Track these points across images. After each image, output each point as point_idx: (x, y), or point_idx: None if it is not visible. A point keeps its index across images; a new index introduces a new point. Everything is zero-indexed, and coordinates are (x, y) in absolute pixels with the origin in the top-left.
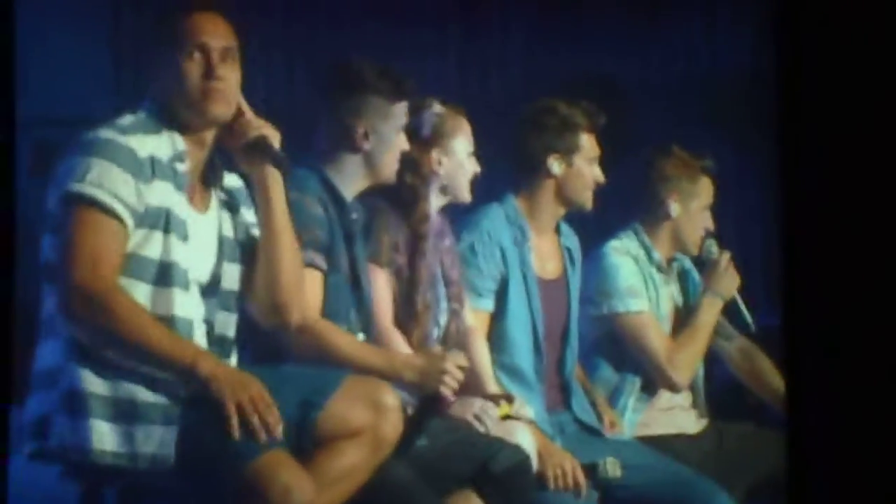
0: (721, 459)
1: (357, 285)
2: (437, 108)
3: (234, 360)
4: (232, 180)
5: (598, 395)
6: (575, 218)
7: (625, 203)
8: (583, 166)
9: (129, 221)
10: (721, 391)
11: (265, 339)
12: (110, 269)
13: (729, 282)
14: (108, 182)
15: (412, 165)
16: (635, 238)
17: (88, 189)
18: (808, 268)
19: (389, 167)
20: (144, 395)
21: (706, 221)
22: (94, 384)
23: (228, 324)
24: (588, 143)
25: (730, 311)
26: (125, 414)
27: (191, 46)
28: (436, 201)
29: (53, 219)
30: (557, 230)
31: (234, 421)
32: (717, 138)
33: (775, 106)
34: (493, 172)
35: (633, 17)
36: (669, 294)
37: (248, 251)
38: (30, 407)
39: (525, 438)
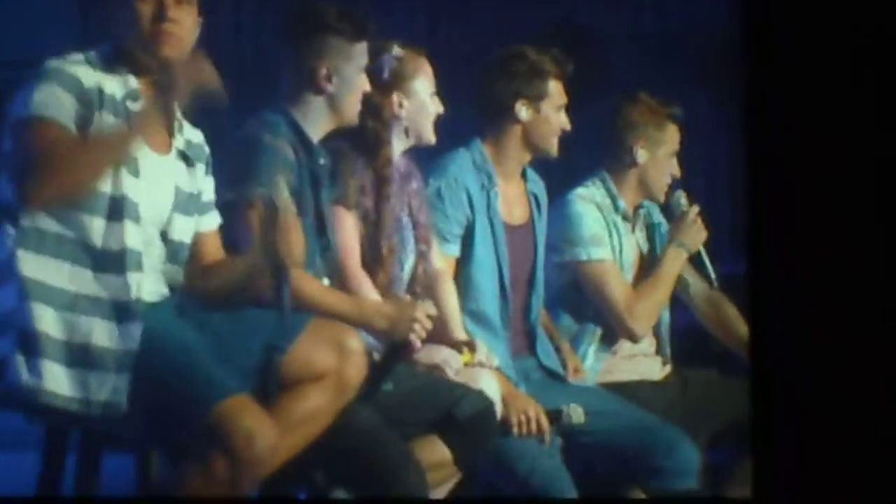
0: (685, 406)
1: (322, 231)
2: (397, 50)
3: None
4: (192, 134)
5: (562, 342)
6: (541, 164)
7: (591, 150)
8: (550, 113)
9: (71, 126)
10: (686, 338)
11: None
12: (70, 180)
13: (695, 234)
14: (53, 102)
15: (373, 109)
16: (602, 186)
17: (35, 110)
18: (774, 216)
19: (352, 109)
20: (99, 340)
21: (673, 168)
22: (49, 326)
23: (177, 276)
24: (556, 90)
25: (694, 264)
26: (79, 360)
27: None
28: (399, 144)
29: (5, 157)
30: (524, 176)
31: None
32: (687, 89)
33: (744, 57)
34: (460, 118)
35: None
36: (634, 243)
37: (199, 208)
38: None
39: (489, 384)
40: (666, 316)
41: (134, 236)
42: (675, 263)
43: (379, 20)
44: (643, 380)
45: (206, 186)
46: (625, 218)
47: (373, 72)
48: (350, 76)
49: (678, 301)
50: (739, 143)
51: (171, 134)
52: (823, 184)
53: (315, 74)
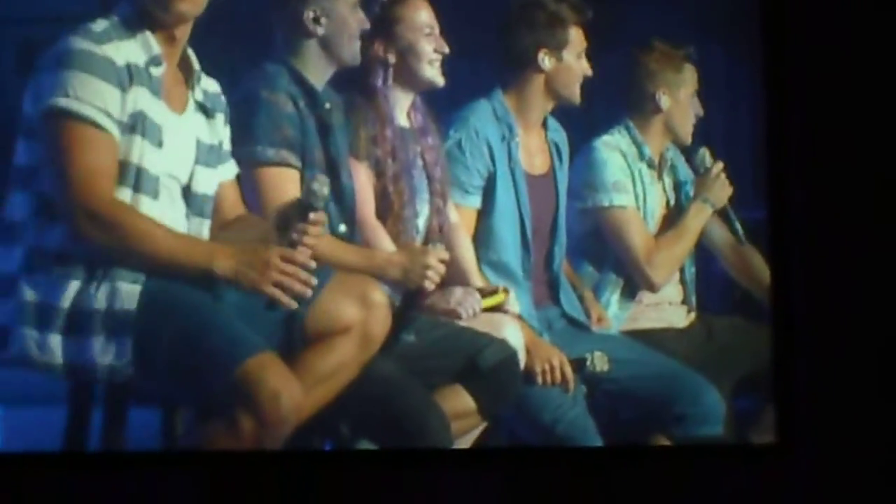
0: (710, 353)
1: (335, 179)
2: None
3: None
4: (209, 84)
5: (585, 291)
6: (563, 113)
7: (613, 99)
8: (572, 60)
9: (116, 132)
10: (712, 286)
11: None
12: (108, 182)
13: (719, 191)
14: (90, 95)
15: (363, 57)
16: (626, 134)
17: (74, 105)
18: (794, 162)
19: (349, 48)
20: (101, 304)
21: (696, 108)
22: (53, 296)
23: (201, 228)
24: (576, 37)
25: (721, 218)
26: (80, 326)
27: None
28: (402, 92)
29: (29, 122)
30: (545, 125)
31: (284, 299)
32: (704, 37)
33: (761, 6)
34: (480, 68)
35: None
36: (660, 191)
37: (220, 157)
38: None
39: (513, 333)
40: (691, 265)
41: (148, 212)
42: (698, 218)
43: None
44: (668, 327)
45: (225, 136)
46: (650, 165)
47: (366, 11)
48: (341, 14)
49: (704, 250)
50: (759, 92)
51: (190, 87)
52: (842, 131)
53: (302, 17)
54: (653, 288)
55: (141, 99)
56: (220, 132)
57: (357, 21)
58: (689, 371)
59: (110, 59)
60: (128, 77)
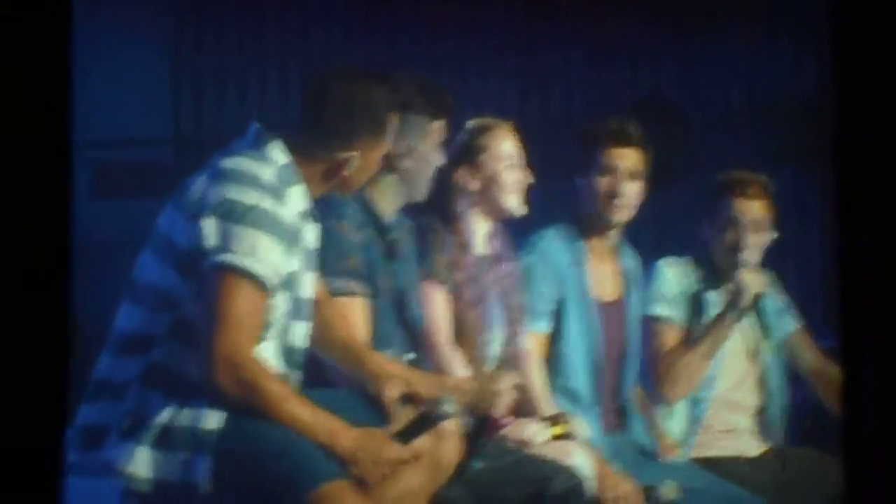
0: (781, 483)
1: (403, 306)
2: (469, 123)
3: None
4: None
5: (655, 419)
6: (635, 239)
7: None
8: (617, 182)
9: (273, 291)
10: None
11: (317, 367)
12: (254, 339)
13: (744, 293)
14: (264, 255)
15: (445, 182)
16: (694, 262)
17: (245, 263)
18: (866, 290)
19: (424, 186)
20: (187, 422)
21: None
22: (153, 410)
23: (302, 333)
24: (612, 158)
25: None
26: (167, 441)
27: None
28: (482, 219)
29: (176, 252)
30: (618, 252)
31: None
32: (776, 162)
33: (833, 130)
34: (553, 194)
35: (693, 42)
36: (738, 333)
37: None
38: (87, 412)
39: (581, 461)
40: (784, 394)
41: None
42: (720, 325)
43: (470, 91)
44: (739, 456)
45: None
46: (714, 287)
47: (446, 146)
48: (424, 154)
49: (795, 375)
50: (828, 215)
51: None
52: None
53: (392, 153)
54: (666, 402)
55: (296, 261)
56: (317, 238)
57: (437, 161)
58: (760, 501)
59: (282, 219)
60: (294, 237)
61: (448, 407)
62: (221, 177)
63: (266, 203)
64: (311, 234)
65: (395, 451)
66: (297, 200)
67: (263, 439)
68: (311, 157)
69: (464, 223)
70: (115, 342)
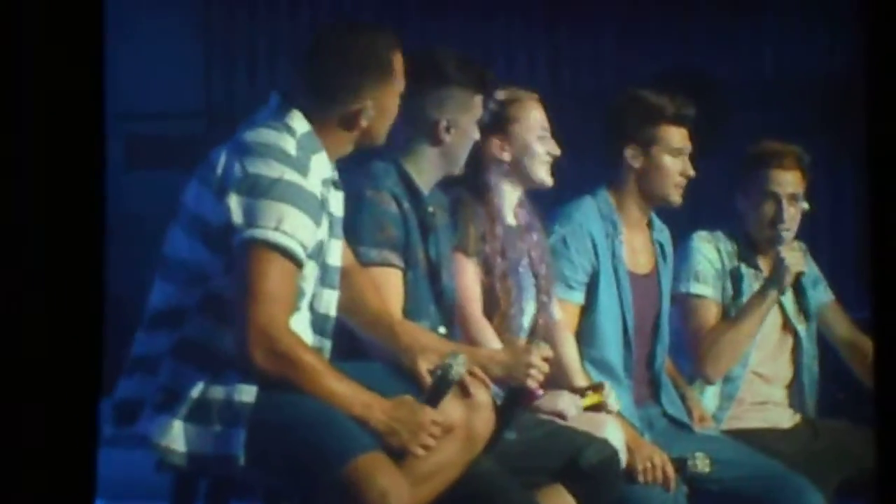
0: (814, 455)
1: (436, 279)
2: (498, 94)
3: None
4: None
5: (687, 390)
6: (667, 212)
7: (724, 203)
8: (662, 158)
9: (304, 263)
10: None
11: (349, 338)
12: (288, 312)
13: (783, 270)
14: (291, 227)
15: (476, 154)
16: (730, 236)
17: (274, 236)
18: None
19: (462, 160)
20: (220, 395)
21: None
22: (187, 384)
23: (331, 302)
24: (668, 134)
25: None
26: (201, 414)
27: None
28: (510, 189)
29: (205, 226)
30: (650, 224)
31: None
32: (808, 136)
33: (866, 101)
34: (587, 165)
35: (727, 18)
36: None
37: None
38: (124, 387)
39: (614, 432)
40: (814, 365)
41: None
42: (759, 302)
43: (492, 66)
44: (772, 427)
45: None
46: (752, 266)
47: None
48: (466, 127)
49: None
50: (863, 187)
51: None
52: None
53: (436, 127)
54: (708, 380)
55: (324, 229)
56: (342, 205)
57: (475, 135)
58: (792, 473)
59: (313, 194)
60: (322, 210)
61: (459, 367)
62: (244, 150)
63: (290, 174)
64: (336, 202)
65: (430, 415)
66: (320, 168)
67: (298, 412)
68: (327, 118)
69: (494, 194)
70: (148, 318)
